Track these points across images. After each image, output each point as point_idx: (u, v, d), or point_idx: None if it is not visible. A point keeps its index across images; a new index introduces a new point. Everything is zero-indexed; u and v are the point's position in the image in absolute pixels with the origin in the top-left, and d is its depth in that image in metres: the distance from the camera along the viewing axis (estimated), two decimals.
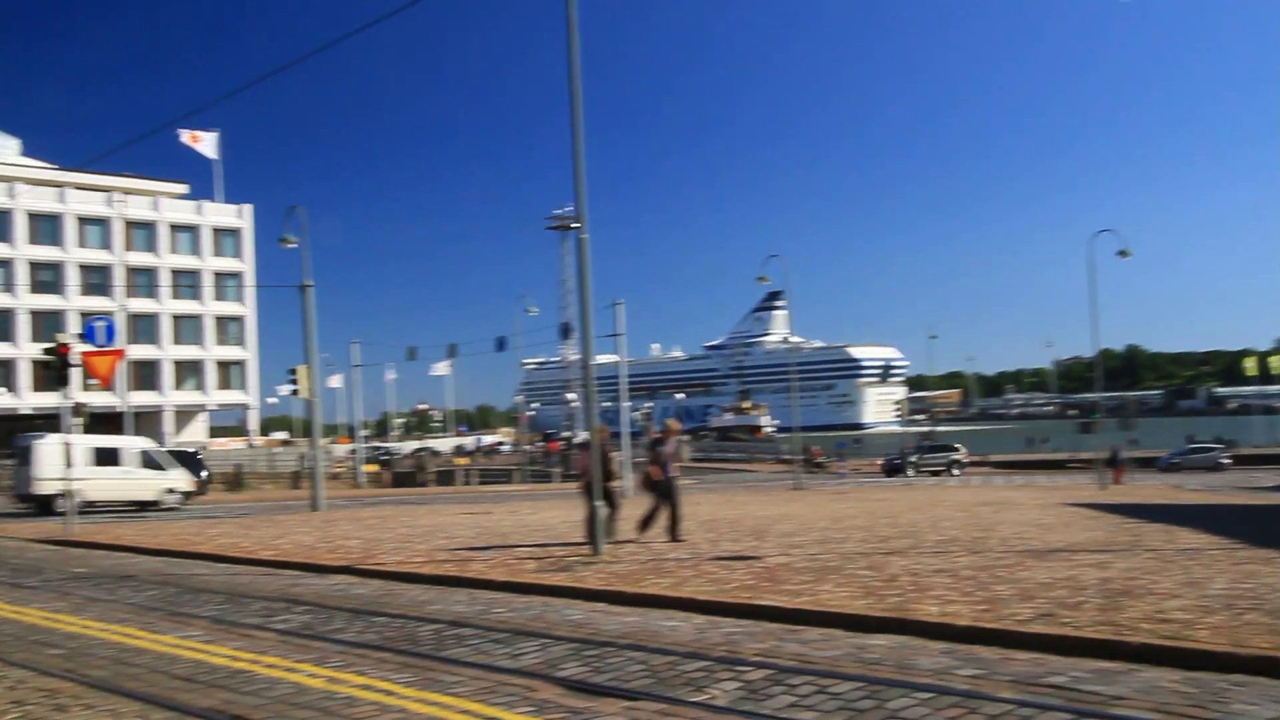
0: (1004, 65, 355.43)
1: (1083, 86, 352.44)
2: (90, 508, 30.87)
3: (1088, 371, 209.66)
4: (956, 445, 63.02)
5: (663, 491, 15.82)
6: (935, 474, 55.70)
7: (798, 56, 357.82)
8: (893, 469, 57.87)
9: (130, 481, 33.15)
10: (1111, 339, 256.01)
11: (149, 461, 34.03)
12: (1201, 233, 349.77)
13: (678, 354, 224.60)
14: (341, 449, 77.12)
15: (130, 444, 35.40)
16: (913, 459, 58.36)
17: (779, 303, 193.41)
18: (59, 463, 28.83)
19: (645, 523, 16.12)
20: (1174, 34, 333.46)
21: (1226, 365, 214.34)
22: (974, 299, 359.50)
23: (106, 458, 32.68)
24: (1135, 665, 7.15)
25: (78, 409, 23.15)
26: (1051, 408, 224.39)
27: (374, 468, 64.53)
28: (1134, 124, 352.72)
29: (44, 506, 30.73)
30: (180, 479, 34.72)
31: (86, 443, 31.86)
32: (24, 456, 31.86)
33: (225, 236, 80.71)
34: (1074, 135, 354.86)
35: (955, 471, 56.77)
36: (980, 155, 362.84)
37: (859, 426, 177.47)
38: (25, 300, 71.50)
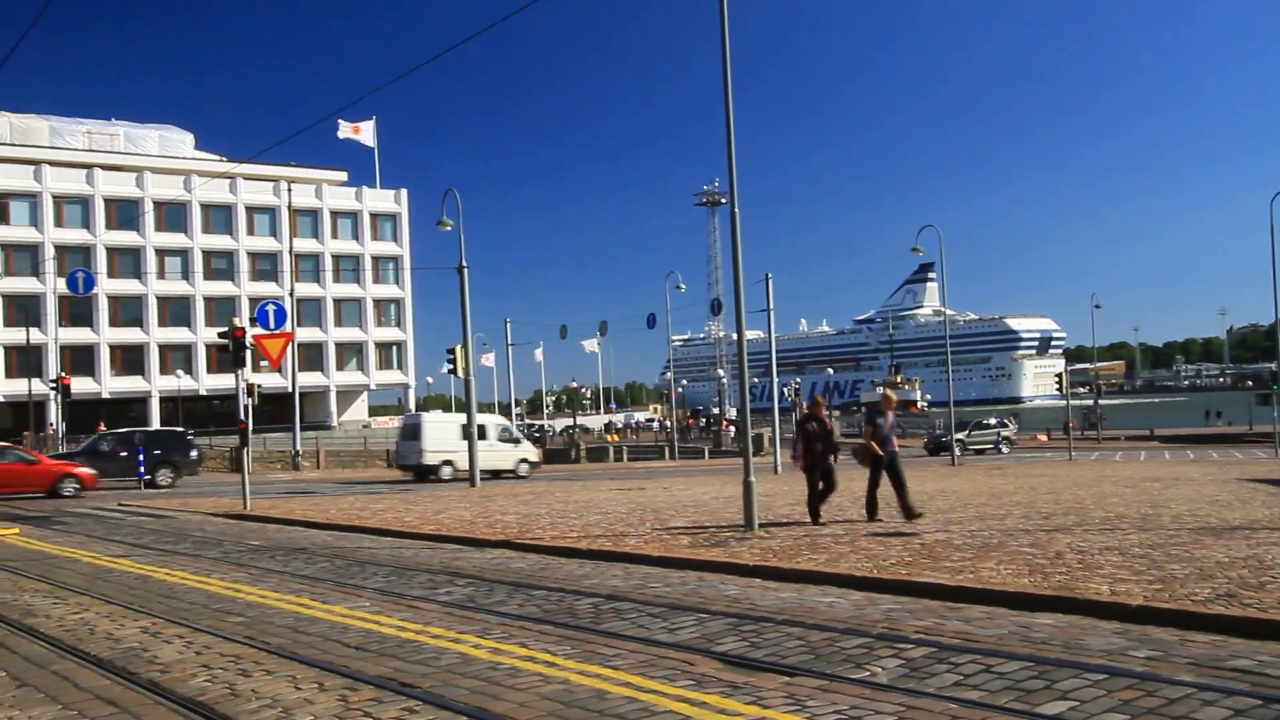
0: (1172, 28, 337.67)
1: (1255, 45, 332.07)
2: (455, 475, 35.60)
3: (1266, 340, 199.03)
4: (1005, 421, 59.21)
5: (886, 468, 14.81)
6: (980, 452, 52.36)
7: (945, 22, 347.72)
8: (938, 446, 52.78)
9: (494, 453, 37.01)
10: None
11: (507, 436, 38.85)
12: None
13: (825, 329, 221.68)
14: None
15: (493, 421, 40.41)
16: (960, 436, 51.94)
17: (931, 275, 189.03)
18: (442, 437, 36.20)
19: (904, 507, 14.75)
20: None
21: None
22: (1140, 266, 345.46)
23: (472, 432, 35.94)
24: None
25: (250, 389, 24.25)
26: (1225, 379, 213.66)
27: None
28: None
29: (422, 474, 35.98)
30: (530, 452, 39.82)
31: (458, 420, 37.02)
32: (413, 432, 37.07)
33: (384, 221, 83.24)
34: (1250, 93, 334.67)
35: (1004, 449, 53.47)
36: (1147, 115, 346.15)
37: (1017, 400, 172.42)
38: (201, 287, 75.37)
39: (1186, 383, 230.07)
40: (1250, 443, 57.23)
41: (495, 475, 36.41)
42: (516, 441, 39.16)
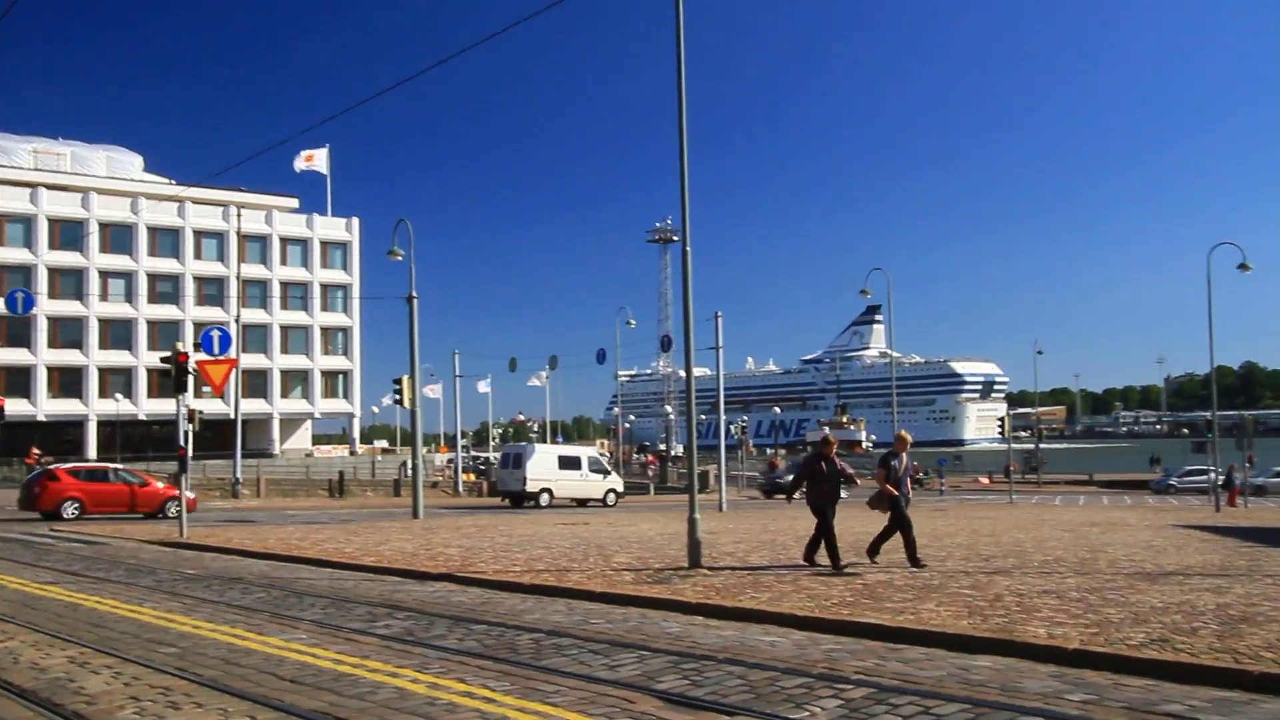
0: (1107, 75, 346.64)
1: (1190, 95, 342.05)
2: (551, 502, 39.10)
3: (1201, 389, 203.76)
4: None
5: (897, 510, 14.27)
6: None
7: (903, 75, 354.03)
8: (774, 488, 48.64)
9: (586, 483, 40.75)
10: (1227, 356, 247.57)
11: (597, 467, 41.98)
12: None
13: (772, 368, 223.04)
14: (441, 458, 78.23)
15: (586, 452, 44.46)
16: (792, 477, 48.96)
17: (877, 317, 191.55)
18: (542, 466, 39.46)
19: (874, 547, 14.69)
20: None
21: None
22: (1081, 314, 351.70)
23: (569, 464, 40.84)
24: (1257, 695, 6.86)
25: (191, 415, 23.86)
26: (1162, 426, 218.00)
27: (471, 477, 65.32)
28: (1247, 133, 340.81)
29: (518, 500, 39.04)
30: (618, 483, 42.73)
31: (556, 451, 42.22)
32: (515, 461, 40.18)
33: (334, 249, 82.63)
34: (1186, 144, 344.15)
35: (842, 493, 48.82)
36: (1090, 167, 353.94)
37: (959, 443, 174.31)
38: (145, 311, 74.23)
39: (1125, 429, 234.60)
40: (1185, 490, 58.26)
41: (582, 504, 39.83)
42: (606, 473, 42.27)
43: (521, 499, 38.90)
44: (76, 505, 29.48)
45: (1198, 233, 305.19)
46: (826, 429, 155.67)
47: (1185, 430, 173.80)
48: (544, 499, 38.95)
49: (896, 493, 14.24)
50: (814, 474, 14.51)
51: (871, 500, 14.71)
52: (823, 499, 14.29)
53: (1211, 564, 15.01)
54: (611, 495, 41.35)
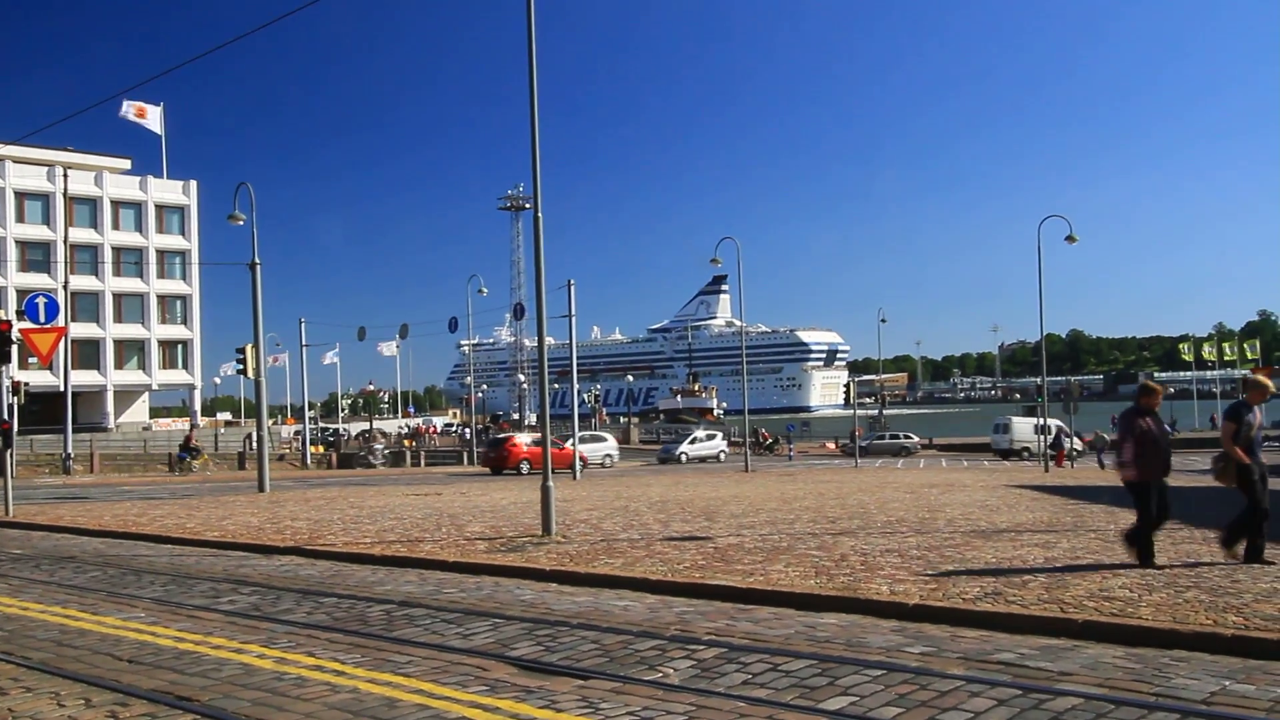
0: (949, 51, 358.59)
1: (1022, 73, 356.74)
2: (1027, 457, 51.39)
3: (1032, 356, 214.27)
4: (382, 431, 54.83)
5: (1251, 482, 10.14)
6: (370, 466, 46.72)
7: (750, 45, 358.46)
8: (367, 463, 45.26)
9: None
10: (1055, 324, 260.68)
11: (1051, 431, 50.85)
12: (1153, 221, 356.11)
13: (618, 337, 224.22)
14: (287, 430, 76.17)
15: (1052, 423, 50.96)
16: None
17: (724, 286, 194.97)
18: (1023, 431, 53.59)
19: (1231, 533, 10.47)
20: (1143, 42, 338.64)
21: (1166, 351, 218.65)
22: (922, 283, 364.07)
23: (1038, 429, 49.30)
24: (1080, 642, 7.27)
25: (16, 387, 22.61)
26: (997, 391, 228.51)
27: (320, 449, 63.84)
28: (1075, 108, 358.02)
29: (1006, 454, 53.44)
30: (1065, 442, 50.29)
31: (1031, 421, 53.19)
32: (1005, 429, 55.56)
33: (170, 213, 79.01)
34: (1021, 125, 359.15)
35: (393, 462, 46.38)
36: (929, 141, 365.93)
37: (806, 409, 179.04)
38: None
39: (963, 394, 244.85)
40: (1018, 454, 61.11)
41: (1003, 456, 53.18)
42: (1065, 436, 51.86)
43: (1010, 454, 53.08)
44: (527, 464, 39.70)
45: (1029, 205, 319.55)
46: (678, 396, 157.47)
47: (1018, 395, 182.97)
48: (1024, 454, 52.14)
49: (1248, 459, 10.21)
50: (1141, 434, 10.31)
51: (1215, 469, 10.65)
52: (1152, 469, 10.31)
53: (1040, 521, 15.80)
54: (1072, 446, 50.73)
